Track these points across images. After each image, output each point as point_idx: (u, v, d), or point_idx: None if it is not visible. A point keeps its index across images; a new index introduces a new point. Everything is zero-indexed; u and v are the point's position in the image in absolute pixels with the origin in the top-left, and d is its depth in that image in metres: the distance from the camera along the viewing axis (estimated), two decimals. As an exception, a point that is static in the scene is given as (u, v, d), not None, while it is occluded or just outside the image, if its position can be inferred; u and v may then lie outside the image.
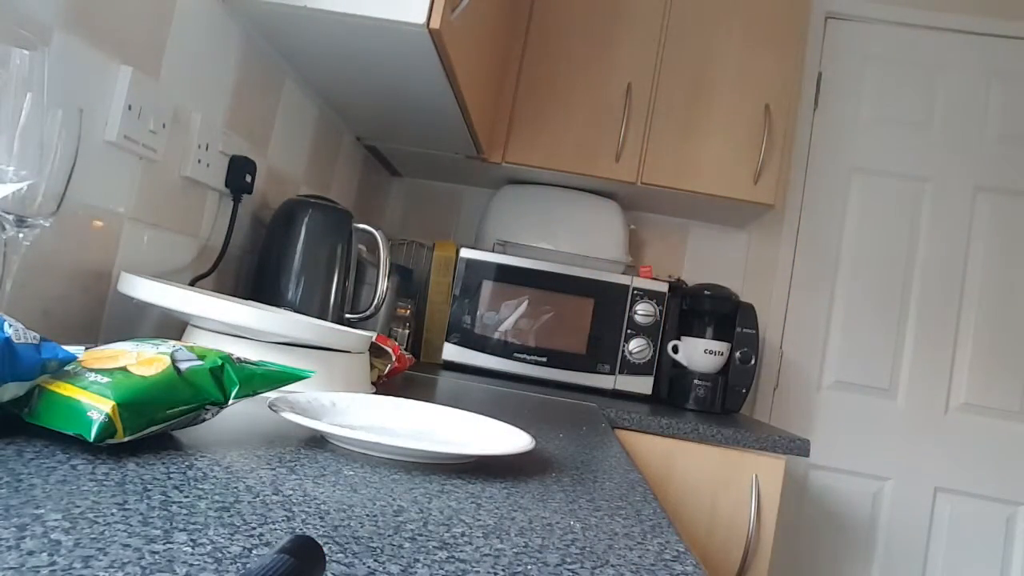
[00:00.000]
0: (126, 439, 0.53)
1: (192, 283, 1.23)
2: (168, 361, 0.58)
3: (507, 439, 0.80)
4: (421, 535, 0.48)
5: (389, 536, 0.46)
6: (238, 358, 0.63)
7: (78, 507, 0.41)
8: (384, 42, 1.23)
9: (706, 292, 2.04)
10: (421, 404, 0.88)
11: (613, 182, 2.09)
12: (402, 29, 1.14)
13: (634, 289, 1.98)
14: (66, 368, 0.56)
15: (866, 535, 2.34)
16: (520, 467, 0.74)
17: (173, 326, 0.99)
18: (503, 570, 0.44)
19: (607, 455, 0.97)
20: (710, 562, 1.60)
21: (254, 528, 0.44)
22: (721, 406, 1.99)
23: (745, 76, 2.07)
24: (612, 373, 1.95)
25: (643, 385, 1.97)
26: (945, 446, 2.34)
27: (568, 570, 0.46)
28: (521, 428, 0.83)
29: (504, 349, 1.97)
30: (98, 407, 0.53)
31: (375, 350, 1.20)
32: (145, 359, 0.58)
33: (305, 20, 1.19)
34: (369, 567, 0.41)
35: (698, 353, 1.98)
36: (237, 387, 0.61)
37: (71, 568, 0.33)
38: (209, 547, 0.39)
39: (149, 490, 0.47)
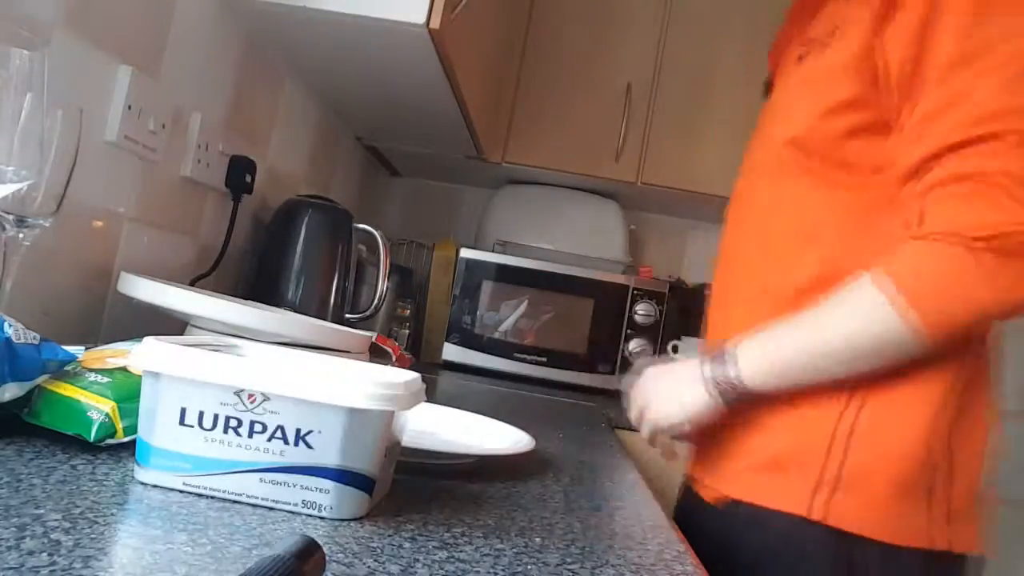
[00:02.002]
0: (126, 439, 0.53)
1: (192, 283, 1.22)
2: (168, 361, 0.58)
3: (507, 439, 0.80)
4: (421, 535, 0.48)
5: (389, 536, 0.46)
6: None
7: (78, 507, 0.41)
8: (384, 42, 1.23)
9: (706, 292, 2.04)
10: (421, 404, 0.88)
11: (613, 182, 2.09)
12: (402, 29, 1.14)
13: (634, 289, 1.98)
14: (66, 368, 0.56)
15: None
16: (520, 467, 0.74)
17: (173, 326, 0.99)
18: (503, 570, 0.44)
19: (607, 455, 0.97)
20: (710, 562, 1.60)
21: (254, 528, 0.44)
22: (721, 406, 1.99)
23: (746, 75, 2.07)
24: (612, 373, 1.95)
25: (643, 385, 1.96)
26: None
27: (568, 570, 0.46)
28: (521, 428, 0.83)
29: (504, 349, 1.97)
30: (98, 407, 0.53)
31: (375, 350, 1.20)
32: (145, 359, 0.58)
33: (305, 20, 1.19)
34: (369, 567, 0.41)
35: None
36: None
37: (71, 568, 0.33)
38: (209, 547, 0.39)
39: (149, 490, 0.47)
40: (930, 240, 0.73)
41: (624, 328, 1.96)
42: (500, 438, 0.80)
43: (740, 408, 0.84)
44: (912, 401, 0.81)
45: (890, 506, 0.81)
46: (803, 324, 0.81)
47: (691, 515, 0.90)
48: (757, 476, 0.85)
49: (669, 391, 0.90)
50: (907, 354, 0.77)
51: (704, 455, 0.94)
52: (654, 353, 1.96)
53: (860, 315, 0.76)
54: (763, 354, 0.82)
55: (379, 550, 0.43)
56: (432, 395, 1.38)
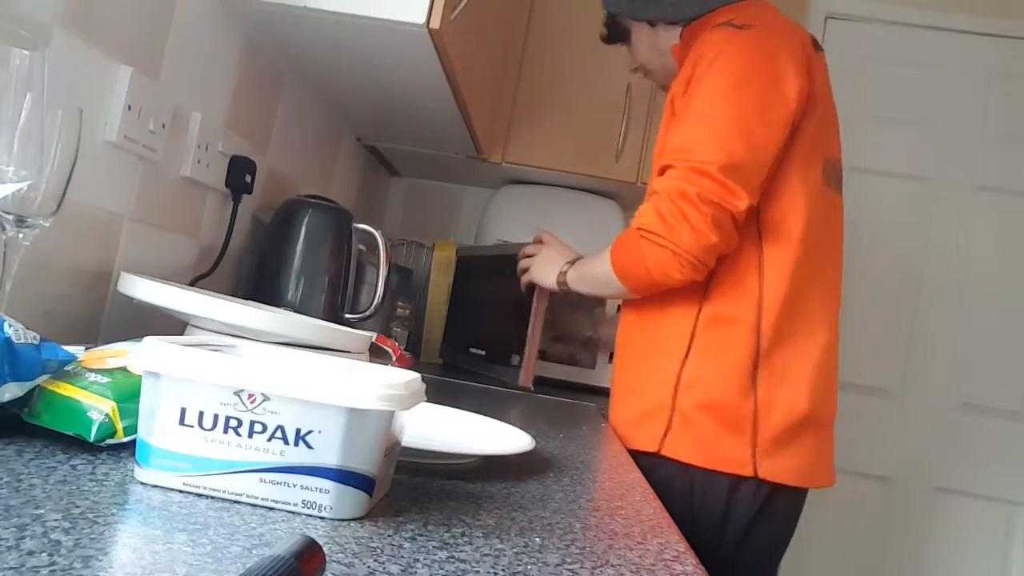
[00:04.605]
0: (126, 439, 0.53)
1: (192, 283, 1.22)
2: (168, 361, 0.58)
3: (507, 439, 0.80)
4: (421, 535, 0.48)
5: (389, 536, 0.46)
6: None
7: (78, 507, 0.41)
8: (384, 42, 1.23)
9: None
10: (421, 404, 0.88)
11: (613, 182, 2.09)
12: (402, 29, 1.14)
13: (634, 289, 1.98)
14: (66, 368, 0.56)
15: (867, 535, 2.34)
16: (520, 467, 0.74)
17: (173, 326, 0.99)
18: (503, 570, 0.44)
19: (607, 455, 0.97)
20: (710, 562, 1.59)
21: (254, 528, 0.44)
22: (721, 406, 1.99)
23: (745, 76, 2.07)
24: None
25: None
26: (947, 446, 2.34)
27: (568, 570, 0.46)
28: (521, 428, 0.83)
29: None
30: (98, 407, 0.53)
31: (375, 350, 1.20)
32: (145, 359, 0.58)
33: (305, 20, 1.19)
34: (369, 567, 0.41)
35: (698, 353, 1.98)
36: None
37: (71, 568, 0.33)
38: (209, 547, 0.39)
39: (149, 490, 0.47)
40: (631, 228, 1.18)
41: (624, 328, 1.96)
42: (500, 438, 0.80)
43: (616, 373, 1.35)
44: (718, 359, 1.17)
45: (712, 441, 1.16)
46: (593, 262, 1.30)
47: None
48: (629, 428, 1.24)
49: (542, 263, 1.45)
50: (623, 293, 1.26)
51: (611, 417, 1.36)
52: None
53: (603, 266, 1.23)
54: (578, 270, 1.36)
55: (379, 550, 0.43)
56: (432, 395, 1.38)
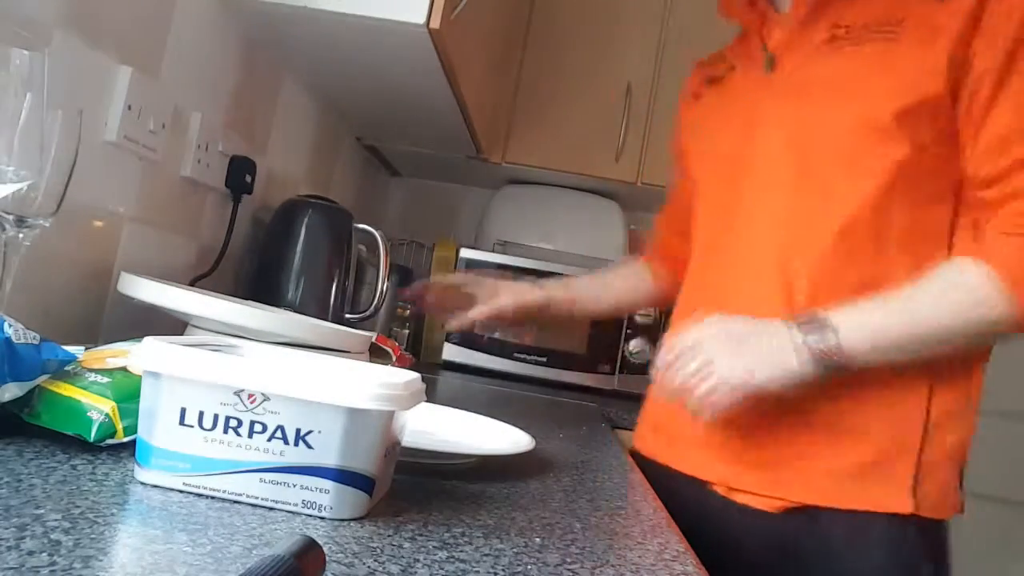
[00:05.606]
0: (126, 439, 0.53)
1: (192, 283, 1.22)
2: (168, 361, 0.58)
3: (507, 439, 0.80)
4: (421, 535, 0.48)
5: (389, 536, 0.46)
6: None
7: (78, 507, 0.41)
8: (384, 42, 1.23)
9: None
10: (421, 404, 0.88)
11: (613, 182, 2.09)
12: (402, 29, 1.14)
13: (634, 289, 1.98)
14: (66, 368, 0.56)
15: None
16: (520, 467, 0.74)
17: (173, 326, 0.99)
18: (503, 570, 0.44)
19: (607, 455, 0.97)
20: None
21: (254, 528, 0.44)
22: (721, 406, 1.98)
23: (745, 76, 2.07)
24: (612, 373, 1.95)
25: (643, 385, 1.96)
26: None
27: (568, 570, 0.46)
28: (521, 428, 0.83)
29: (504, 349, 1.97)
30: (98, 407, 0.53)
31: (375, 350, 1.20)
32: (145, 359, 0.58)
33: (305, 20, 1.19)
34: (369, 567, 0.41)
35: (698, 353, 1.98)
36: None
37: (71, 568, 0.33)
38: (209, 547, 0.39)
39: (149, 490, 0.47)
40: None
41: (624, 328, 1.96)
42: (500, 438, 0.80)
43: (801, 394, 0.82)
44: (962, 388, 0.89)
45: (950, 488, 0.88)
46: (914, 302, 0.81)
47: (712, 519, 0.88)
48: (846, 481, 0.85)
49: (750, 352, 0.81)
50: (999, 338, 0.87)
51: (746, 459, 0.89)
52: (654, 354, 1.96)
53: (975, 300, 0.79)
54: (867, 325, 0.80)
55: (379, 550, 0.43)
56: (432, 395, 1.38)
